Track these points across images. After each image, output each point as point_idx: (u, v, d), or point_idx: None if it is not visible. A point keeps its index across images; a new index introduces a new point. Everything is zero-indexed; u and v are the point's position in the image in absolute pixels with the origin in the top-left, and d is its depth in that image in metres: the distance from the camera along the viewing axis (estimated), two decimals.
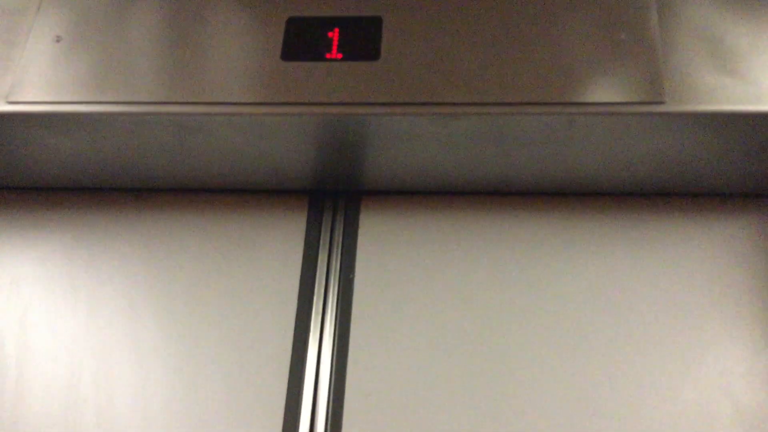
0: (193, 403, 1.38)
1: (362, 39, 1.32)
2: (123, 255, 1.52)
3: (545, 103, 1.24)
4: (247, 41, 1.34)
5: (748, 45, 1.27)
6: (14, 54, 1.38)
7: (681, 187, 1.44)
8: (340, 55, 1.31)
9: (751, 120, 1.23)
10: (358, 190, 1.53)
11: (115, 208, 1.56)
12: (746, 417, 1.29)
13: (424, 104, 1.26)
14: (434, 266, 1.46)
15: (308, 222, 1.52)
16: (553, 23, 1.30)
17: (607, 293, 1.41)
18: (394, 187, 1.51)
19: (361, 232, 1.50)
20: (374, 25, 1.33)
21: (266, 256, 1.49)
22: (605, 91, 1.25)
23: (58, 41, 1.38)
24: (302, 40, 1.33)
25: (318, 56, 1.31)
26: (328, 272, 1.47)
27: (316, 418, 1.35)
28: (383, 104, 1.27)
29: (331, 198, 1.54)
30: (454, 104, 1.26)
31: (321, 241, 1.50)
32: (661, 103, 1.23)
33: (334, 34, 1.32)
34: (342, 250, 1.49)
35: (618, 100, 1.24)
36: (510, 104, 1.25)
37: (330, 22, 1.34)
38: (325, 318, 1.43)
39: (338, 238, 1.50)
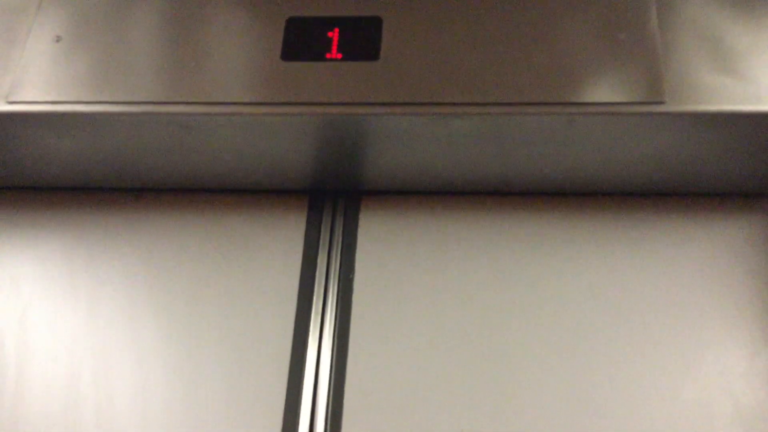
0: (193, 402, 1.38)
1: (362, 39, 1.32)
2: (123, 255, 1.52)
3: (545, 103, 1.24)
4: (247, 41, 1.34)
5: (748, 45, 1.27)
6: (14, 53, 1.38)
7: (681, 187, 1.44)
8: (339, 55, 1.31)
9: (751, 120, 1.23)
10: (357, 190, 1.53)
11: (115, 208, 1.56)
12: (746, 416, 1.29)
13: (423, 104, 1.26)
14: (434, 266, 1.46)
15: (308, 222, 1.52)
16: (553, 23, 1.30)
17: (607, 293, 1.41)
18: (394, 187, 1.51)
19: (360, 231, 1.50)
20: (374, 25, 1.33)
21: (266, 255, 1.49)
22: (605, 91, 1.25)
23: (58, 41, 1.38)
24: (302, 40, 1.33)
25: (318, 56, 1.31)
26: (327, 272, 1.47)
27: (315, 417, 1.35)
28: (383, 104, 1.27)
29: (331, 198, 1.54)
30: (454, 104, 1.26)
31: (321, 241, 1.50)
32: (661, 103, 1.23)
33: (334, 34, 1.32)
34: (342, 249, 1.49)
35: (618, 100, 1.24)
36: (510, 104, 1.25)
37: (330, 22, 1.34)
38: (325, 317, 1.43)
39: (338, 237, 1.50)
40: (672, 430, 1.29)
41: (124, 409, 1.38)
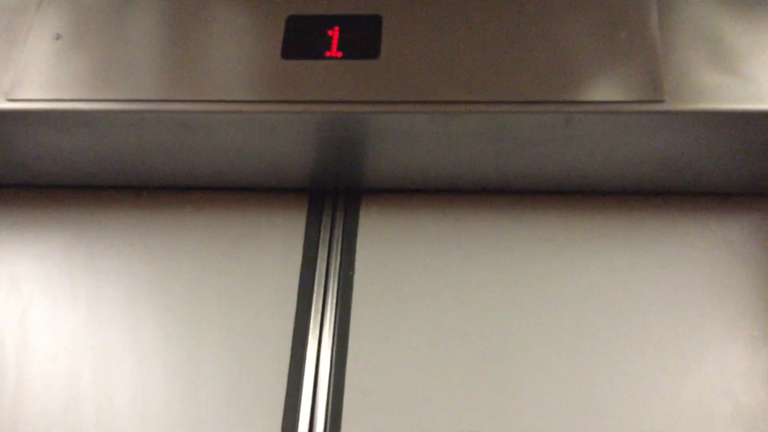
0: (193, 402, 1.38)
1: (362, 37, 1.32)
2: (123, 253, 1.52)
3: (545, 102, 1.24)
4: (247, 39, 1.35)
5: (748, 44, 1.27)
6: (14, 52, 1.38)
7: (681, 187, 1.44)
8: (339, 54, 1.31)
9: (751, 119, 1.23)
10: (357, 189, 1.53)
11: (115, 206, 1.56)
12: (746, 416, 1.29)
13: (423, 102, 1.26)
14: (434, 264, 1.46)
15: (308, 220, 1.52)
16: (553, 22, 1.30)
17: (607, 293, 1.41)
18: (394, 186, 1.51)
19: (360, 230, 1.50)
20: (374, 23, 1.33)
21: (266, 254, 1.49)
22: (605, 89, 1.25)
23: (58, 39, 1.38)
24: (302, 39, 1.33)
25: (318, 54, 1.31)
26: (327, 270, 1.47)
27: (315, 416, 1.35)
28: (383, 102, 1.27)
29: (331, 196, 1.54)
30: (454, 102, 1.26)
31: (321, 239, 1.50)
32: (661, 101, 1.23)
33: (334, 33, 1.33)
34: (342, 248, 1.49)
35: (618, 98, 1.24)
36: (510, 103, 1.25)
37: (330, 21, 1.34)
38: (325, 316, 1.43)
39: (338, 236, 1.50)
40: (672, 430, 1.29)
41: (124, 409, 1.38)
